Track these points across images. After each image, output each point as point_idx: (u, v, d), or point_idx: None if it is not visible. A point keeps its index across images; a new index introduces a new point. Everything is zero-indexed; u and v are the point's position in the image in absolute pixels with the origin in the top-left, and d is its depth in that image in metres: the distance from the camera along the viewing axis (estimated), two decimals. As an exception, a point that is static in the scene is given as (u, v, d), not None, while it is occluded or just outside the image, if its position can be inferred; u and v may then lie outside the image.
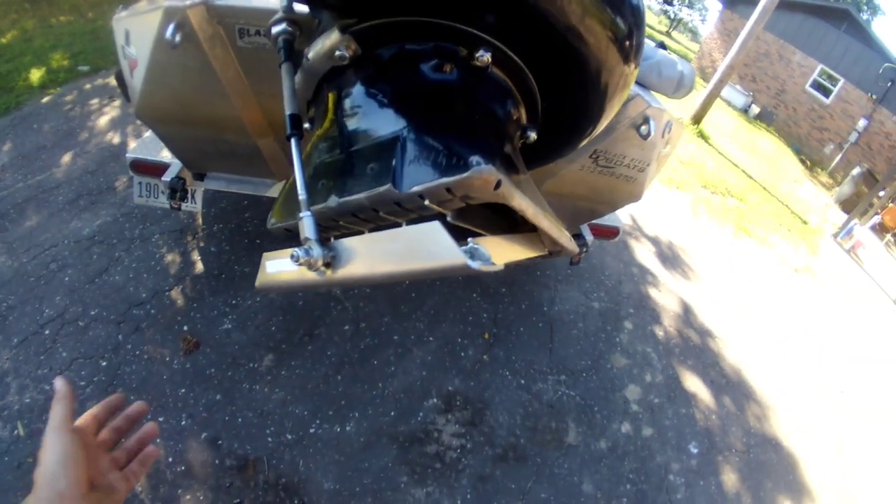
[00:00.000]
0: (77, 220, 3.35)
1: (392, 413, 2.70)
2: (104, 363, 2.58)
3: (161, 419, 2.42)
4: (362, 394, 2.74)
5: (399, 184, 0.73)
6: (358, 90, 0.91)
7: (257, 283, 0.92)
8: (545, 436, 2.86)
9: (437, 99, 0.88)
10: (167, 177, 2.51)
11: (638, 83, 2.13)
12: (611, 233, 3.09)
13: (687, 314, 4.28)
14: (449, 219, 0.91)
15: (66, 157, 3.97)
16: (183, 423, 2.43)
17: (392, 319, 3.19)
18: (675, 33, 42.75)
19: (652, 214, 5.76)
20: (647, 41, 3.36)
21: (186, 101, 1.90)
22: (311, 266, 0.74)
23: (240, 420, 2.49)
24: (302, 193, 0.78)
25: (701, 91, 10.72)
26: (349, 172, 0.83)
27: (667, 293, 4.43)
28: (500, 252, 0.97)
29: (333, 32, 0.87)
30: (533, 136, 1.03)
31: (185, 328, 2.81)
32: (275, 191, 2.57)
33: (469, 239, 0.76)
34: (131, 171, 2.59)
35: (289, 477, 2.34)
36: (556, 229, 1.05)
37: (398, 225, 0.84)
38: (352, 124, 0.90)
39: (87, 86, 5.23)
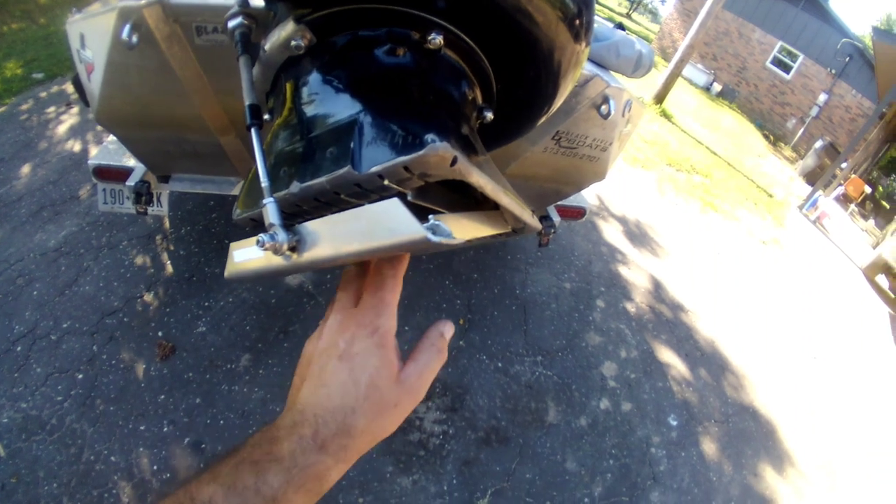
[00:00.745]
0: (42, 233, 3.28)
1: (373, 404, 2.70)
2: (80, 376, 2.54)
3: (142, 427, 2.40)
4: (343, 387, 2.74)
5: (358, 165, 0.75)
6: (314, 78, 0.93)
7: (226, 273, 0.94)
8: (526, 417, 2.90)
9: (392, 82, 0.90)
10: (131, 181, 2.45)
11: (597, 64, 2.15)
12: (577, 213, 3.13)
13: (658, 290, 4.36)
14: (409, 198, 0.93)
15: (26, 169, 3.87)
16: (165, 429, 2.42)
17: (366, 312, 3.18)
18: (635, 15, 43.01)
19: (618, 194, 5.84)
20: (605, 22, 3.39)
21: (146, 103, 1.87)
22: (276, 250, 0.76)
23: (222, 422, 2.48)
24: (265, 181, 0.80)
25: (662, 71, 10.86)
26: (309, 158, 0.85)
27: (637, 270, 4.51)
28: (463, 229, 0.99)
29: (289, 23, 0.89)
30: (489, 115, 1.06)
31: (160, 334, 2.78)
32: (239, 189, 2.55)
33: (430, 216, 0.78)
34: (94, 178, 2.53)
35: (274, 475, 2.34)
36: (518, 206, 1.07)
37: (360, 206, 0.86)
38: (310, 111, 0.92)
39: (43, 94, 5.09)
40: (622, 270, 4.43)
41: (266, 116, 1.06)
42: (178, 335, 2.79)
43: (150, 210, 2.58)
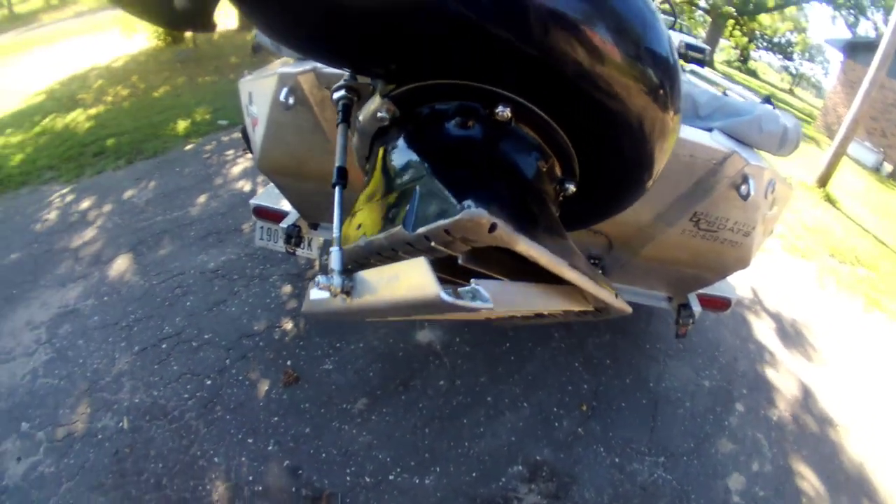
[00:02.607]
0: (204, 255, 3.71)
1: (474, 473, 2.62)
2: (209, 382, 2.81)
3: (250, 441, 2.57)
4: (447, 450, 2.69)
5: (408, 226, 0.80)
6: (398, 146, 1.04)
7: (303, 308, 1.08)
8: (634, 520, 2.64)
9: (455, 151, 0.97)
10: (284, 224, 2.70)
11: (738, 140, 2.02)
12: (722, 304, 2.83)
13: (806, 398, 3.85)
14: (460, 261, 0.96)
15: (202, 199, 4.43)
16: (270, 447, 2.55)
17: (488, 380, 3.12)
18: (797, 90, 39.76)
19: (774, 285, 5.30)
20: (750, 96, 3.19)
21: (300, 157, 2.08)
22: (332, 292, 0.83)
23: (324, 455, 2.55)
24: (336, 231, 0.94)
25: (826, 150, 9.96)
26: (380, 216, 0.92)
27: (786, 374, 4.03)
28: (527, 299, 1.00)
29: (376, 97, 1.01)
30: (571, 188, 1.07)
31: (289, 363, 2.97)
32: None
33: (473, 280, 0.78)
34: (254, 216, 2.83)
35: (360, 518, 2.36)
36: (590, 282, 1.03)
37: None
38: (388, 175, 1.03)
39: (225, 138, 5.84)
40: (769, 372, 3.98)
41: (366, 179, 1.22)
42: (305, 367, 2.96)
43: (298, 251, 2.80)
